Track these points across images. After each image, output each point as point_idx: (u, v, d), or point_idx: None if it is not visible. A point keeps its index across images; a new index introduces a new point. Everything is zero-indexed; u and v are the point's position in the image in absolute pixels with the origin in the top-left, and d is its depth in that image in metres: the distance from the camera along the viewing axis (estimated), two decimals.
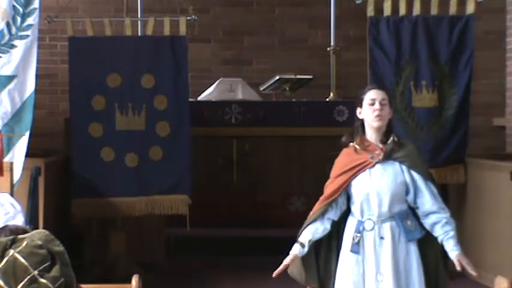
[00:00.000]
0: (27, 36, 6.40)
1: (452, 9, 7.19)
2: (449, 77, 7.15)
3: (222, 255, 7.84)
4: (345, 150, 4.33)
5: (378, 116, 4.19)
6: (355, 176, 4.21)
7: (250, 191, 8.31)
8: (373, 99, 4.22)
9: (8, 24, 6.40)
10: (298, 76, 8.76)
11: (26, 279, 2.86)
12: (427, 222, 4.20)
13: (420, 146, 7.02)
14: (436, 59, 7.13)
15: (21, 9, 6.42)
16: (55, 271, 2.91)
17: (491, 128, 9.48)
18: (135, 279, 3.94)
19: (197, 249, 8.16)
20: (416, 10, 7.15)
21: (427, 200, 4.20)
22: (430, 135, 7.11)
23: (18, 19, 6.42)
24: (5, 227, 3.26)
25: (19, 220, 5.01)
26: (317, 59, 9.32)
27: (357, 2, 7.18)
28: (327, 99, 8.69)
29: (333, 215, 4.24)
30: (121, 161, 6.99)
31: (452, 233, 4.17)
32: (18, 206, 5.29)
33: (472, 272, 4.12)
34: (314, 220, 4.22)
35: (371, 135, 4.26)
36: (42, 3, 6.59)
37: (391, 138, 4.23)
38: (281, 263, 4.27)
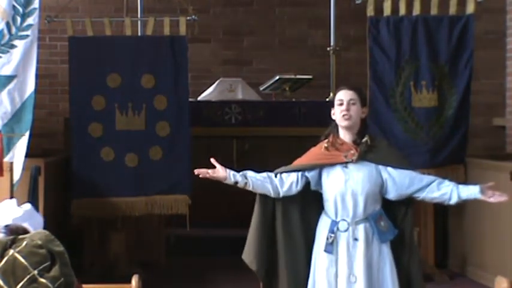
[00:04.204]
0: (27, 36, 6.40)
1: (452, 9, 7.19)
2: (449, 77, 7.14)
3: (222, 255, 7.84)
4: (318, 145, 4.36)
5: (344, 115, 4.23)
6: (326, 171, 4.23)
7: (250, 191, 8.29)
8: (341, 100, 4.27)
9: (8, 24, 6.40)
10: (298, 76, 8.74)
11: (25, 279, 2.86)
12: (432, 190, 4.22)
13: (420, 146, 7.05)
14: (436, 59, 7.13)
15: (21, 9, 6.42)
16: (55, 271, 2.91)
17: (491, 128, 9.48)
18: (135, 279, 3.94)
19: (197, 249, 8.16)
20: (416, 10, 7.15)
21: (419, 179, 4.24)
22: (430, 135, 7.10)
23: (18, 19, 6.42)
24: (7, 226, 3.26)
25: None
26: (317, 59, 9.32)
27: (357, 2, 7.18)
28: (327, 99, 8.68)
29: (280, 180, 4.26)
30: (121, 161, 6.99)
31: (452, 181, 4.25)
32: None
33: (503, 197, 4.14)
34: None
35: (344, 135, 4.29)
36: (42, 3, 6.59)
37: (365, 139, 4.24)
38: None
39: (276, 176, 4.29)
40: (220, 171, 4.24)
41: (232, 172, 4.25)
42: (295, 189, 4.27)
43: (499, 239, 6.91)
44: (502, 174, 6.82)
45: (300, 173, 4.27)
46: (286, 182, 4.26)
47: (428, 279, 7.10)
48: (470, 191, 4.18)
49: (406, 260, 4.30)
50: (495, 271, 6.27)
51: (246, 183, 4.23)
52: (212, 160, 4.23)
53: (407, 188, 4.22)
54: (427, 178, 4.26)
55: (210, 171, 4.25)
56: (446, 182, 4.24)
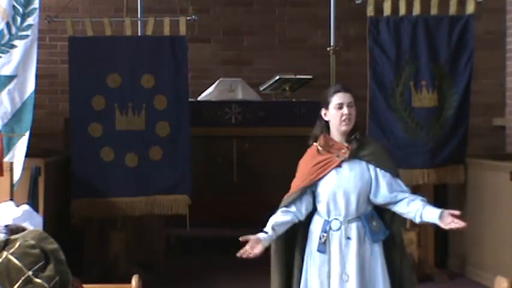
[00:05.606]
0: (27, 36, 6.40)
1: (452, 9, 7.19)
2: (449, 77, 7.15)
3: (221, 255, 7.82)
4: (308, 151, 4.33)
5: (345, 120, 4.21)
6: (323, 178, 4.21)
7: (250, 191, 8.30)
8: (341, 104, 4.24)
9: (8, 24, 6.40)
10: (298, 76, 8.75)
11: (20, 280, 2.85)
12: (401, 207, 4.20)
13: (420, 146, 7.05)
14: (436, 59, 7.13)
15: (21, 9, 6.42)
16: (50, 270, 2.89)
17: (491, 128, 9.49)
18: (135, 279, 3.94)
19: (197, 249, 8.16)
20: (416, 10, 7.15)
21: (394, 196, 4.21)
22: (430, 135, 7.10)
23: (18, 19, 6.42)
24: (7, 226, 3.26)
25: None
26: (317, 59, 9.32)
27: (357, 2, 7.18)
28: None
29: (297, 210, 4.21)
30: (121, 161, 6.99)
31: (425, 201, 4.20)
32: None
33: (461, 223, 4.08)
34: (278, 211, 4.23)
35: (337, 135, 4.27)
36: (42, 3, 6.59)
37: (354, 136, 4.23)
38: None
39: (290, 208, 4.20)
40: (256, 246, 4.14)
41: (265, 239, 4.14)
42: (311, 209, 4.27)
43: (499, 239, 6.91)
44: (502, 174, 6.83)
45: (306, 195, 4.24)
46: (303, 211, 4.23)
47: (428, 279, 7.10)
48: (431, 215, 4.14)
49: (398, 262, 4.30)
50: (495, 271, 6.27)
51: (274, 234, 4.19)
52: (241, 238, 4.13)
53: (382, 198, 4.21)
54: (401, 195, 4.22)
55: (248, 249, 4.13)
56: (417, 201, 4.20)
